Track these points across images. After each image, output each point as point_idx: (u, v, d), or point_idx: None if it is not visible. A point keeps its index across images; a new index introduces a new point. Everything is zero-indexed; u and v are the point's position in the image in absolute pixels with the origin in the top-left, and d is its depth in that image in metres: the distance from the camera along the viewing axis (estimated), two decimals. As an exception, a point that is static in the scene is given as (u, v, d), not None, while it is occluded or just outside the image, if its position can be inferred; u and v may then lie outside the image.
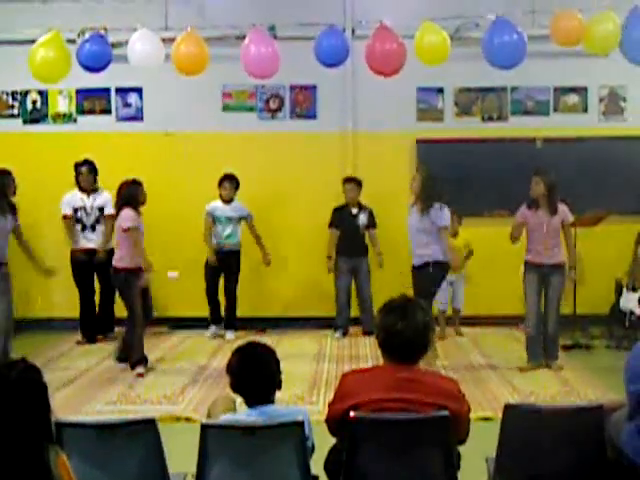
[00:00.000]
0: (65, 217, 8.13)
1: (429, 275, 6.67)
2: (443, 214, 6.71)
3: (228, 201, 8.37)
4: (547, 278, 6.78)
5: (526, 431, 3.30)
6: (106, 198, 8.12)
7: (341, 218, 8.46)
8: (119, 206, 6.88)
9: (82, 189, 8.17)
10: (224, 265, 8.42)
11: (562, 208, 6.76)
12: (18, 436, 2.27)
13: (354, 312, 8.69)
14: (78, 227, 8.16)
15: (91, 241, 8.16)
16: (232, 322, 8.53)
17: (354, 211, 8.44)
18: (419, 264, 6.73)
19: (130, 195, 6.87)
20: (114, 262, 6.88)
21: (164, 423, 4.00)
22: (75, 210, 8.15)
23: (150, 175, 8.80)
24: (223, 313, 8.58)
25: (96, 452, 3.11)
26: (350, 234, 8.41)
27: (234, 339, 8.22)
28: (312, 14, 8.12)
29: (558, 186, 6.76)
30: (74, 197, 8.17)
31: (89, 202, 8.17)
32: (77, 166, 8.15)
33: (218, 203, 8.39)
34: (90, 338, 8.22)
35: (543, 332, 6.88)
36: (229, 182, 8.34)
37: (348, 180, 8.44)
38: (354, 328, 8.57)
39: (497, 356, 7.41)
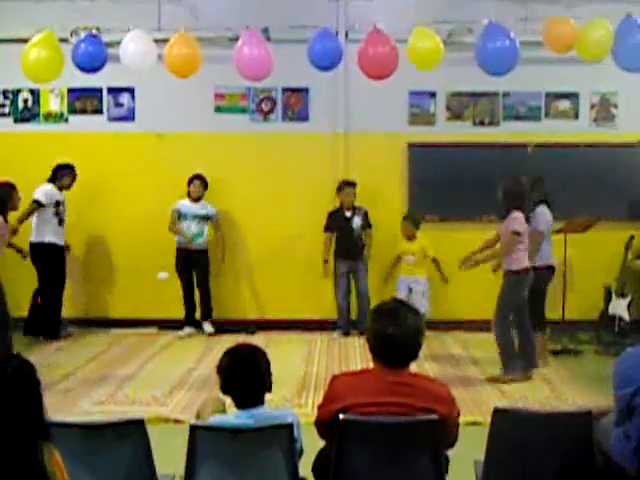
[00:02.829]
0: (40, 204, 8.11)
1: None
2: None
3: (196, 199, 8.53)
4: None
5: (514, 436, 3.30)
6: None
7: (336, 221, 8.52)
8: None
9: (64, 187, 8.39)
10: (194, 264, 8.59)
11: (512, 215, 6.57)
12: (12, 431, 2.26)
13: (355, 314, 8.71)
14: (55, 221, 8.22)
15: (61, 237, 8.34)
16: (208, 314, 8.68)
17: (348, 214, 8.50)
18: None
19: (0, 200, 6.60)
20: None
21: (153, 424, 3.98)
22: (57, 204, 8.27)
23: (141, 175, 8.88)
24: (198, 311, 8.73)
25: (84, 453, 3.09)
26: (345, 237, 8.48)
27: (213, 332, 8.52)
28: (306, 17, 8.13)
29: (518, 193, 6.64)
30: (53, 191, 8.25)
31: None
32: (68, 168, 8.32)
33: (185, 201, 8.57)
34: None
35: None
36: (199, 180, 8.56)
37: (348, 184, 8.49)
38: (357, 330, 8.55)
39: (486, 361, 7.41)
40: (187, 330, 8.57)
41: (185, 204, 8.54)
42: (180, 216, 8.51)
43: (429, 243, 8.41)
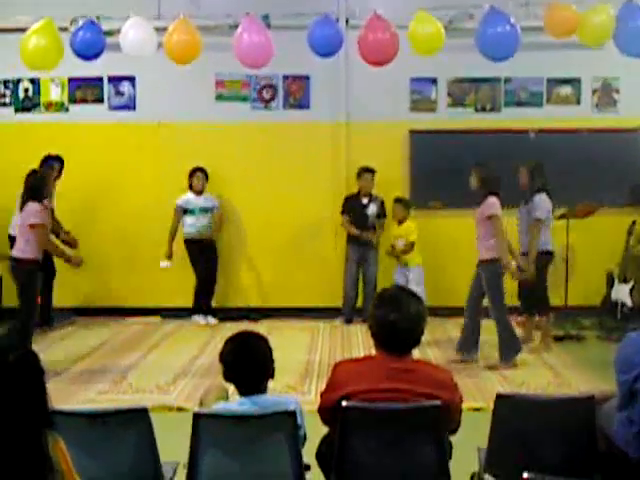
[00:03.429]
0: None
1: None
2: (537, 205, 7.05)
3: (200, 192, 8.51)
4: None
5: (517, 421, 3.31)
6: None
7: (351, 207, 8.54)
8: (25, 198, 6.46)
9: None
10: (205, 254, 8.58)
11: (488, 201, 6.54)
12: (16, 420, 2.26)
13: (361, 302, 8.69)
14: None
15: None
16: (210, 308, 8.71)
17: (364, 201, 8.51)
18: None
19: (36, 187, 6.48)
20: (16, 253, 6.45)
21: (156, 412, 3.99)
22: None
23: (142, 164, 8.86)
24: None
25: (88, 441, 3.10)
26: (359, 223, 8.48)
27: (217, 323, 8.51)
28: (306, 3, 8.10)
29: (493, 179, 6.63)
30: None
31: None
32: (56, 160, 8.12)
33: (189, 195, 8.53)
34: None
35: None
36: (201, 173, 8.53)
37: (367, 170, 8.47)
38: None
39: (488, 347, 7.41)
40: (211, 320, 8.60)
41: (190, 199, 8.51)
42: (187, 212, 8.49)
43: (415, 228, 8.30)
